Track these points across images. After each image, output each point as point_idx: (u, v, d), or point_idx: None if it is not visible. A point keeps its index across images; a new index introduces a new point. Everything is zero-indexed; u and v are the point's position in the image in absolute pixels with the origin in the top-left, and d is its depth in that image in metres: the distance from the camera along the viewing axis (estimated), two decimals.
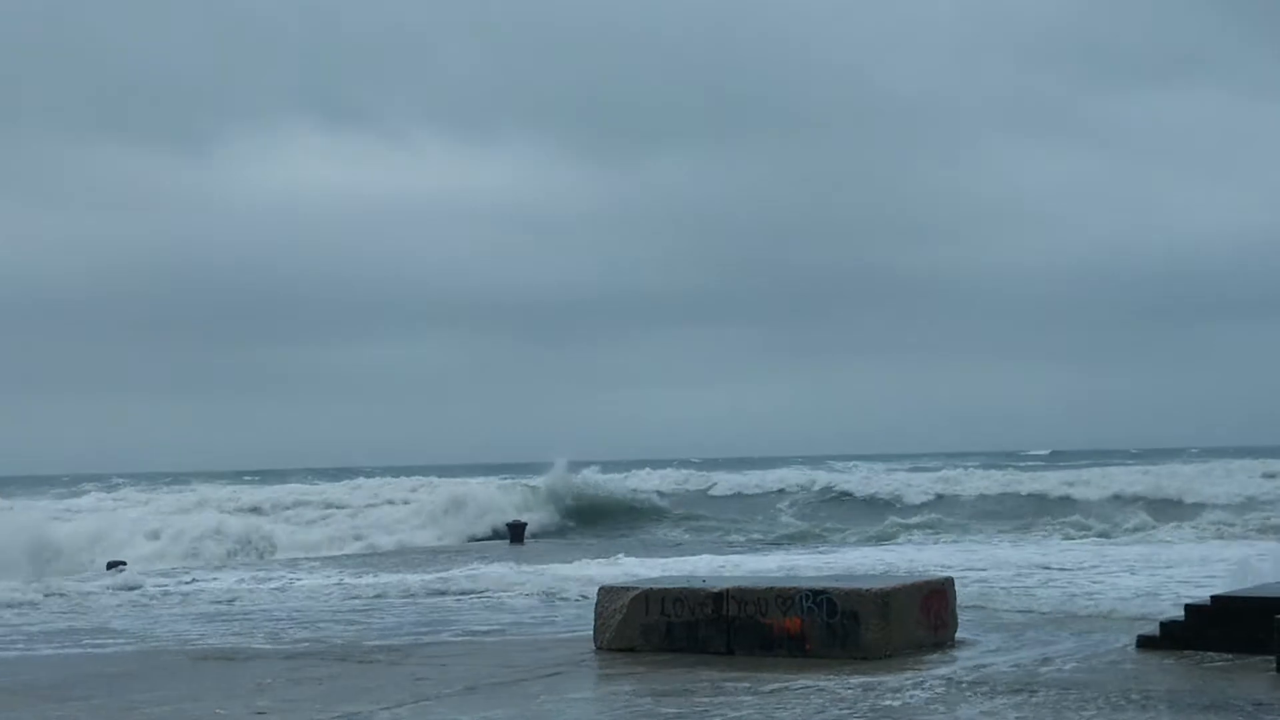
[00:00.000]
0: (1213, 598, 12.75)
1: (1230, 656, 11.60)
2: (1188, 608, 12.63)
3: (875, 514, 39.21)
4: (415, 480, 49.84)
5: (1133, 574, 20.63)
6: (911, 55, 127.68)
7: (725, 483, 49.04)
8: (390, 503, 43.51)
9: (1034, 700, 10.04)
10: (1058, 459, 77.23)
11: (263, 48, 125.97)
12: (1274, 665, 10.77)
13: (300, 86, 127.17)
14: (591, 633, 13.59)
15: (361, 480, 51.64)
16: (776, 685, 10.95)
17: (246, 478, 74.41)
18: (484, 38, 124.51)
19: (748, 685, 10.99)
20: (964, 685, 10.80)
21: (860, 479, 47.63)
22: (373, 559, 28.89)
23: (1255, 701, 9.69)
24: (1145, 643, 12.46)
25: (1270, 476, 41.31)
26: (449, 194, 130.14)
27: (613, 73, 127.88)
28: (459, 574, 22.59)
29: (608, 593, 13.60)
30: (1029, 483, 43.54)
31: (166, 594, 21.02)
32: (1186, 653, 11.94)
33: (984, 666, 11.74)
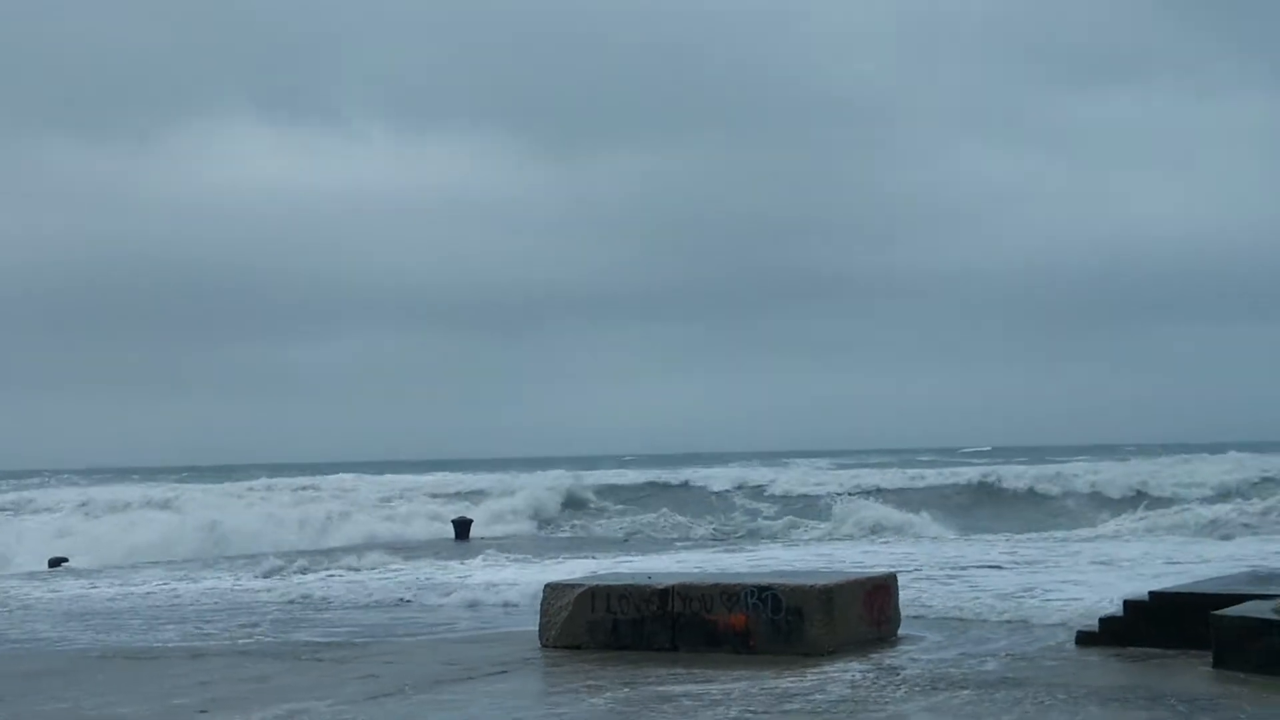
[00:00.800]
0: (1151, 594, 12.93)
1: (1169, 652, 11.76)
2: (1126, 604, 12.81)
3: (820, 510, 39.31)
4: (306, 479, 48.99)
5: (1078, 570, 20.85)
6: (865, 56, 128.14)
7: (674, 478, 48.97)
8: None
9: (973, 695, 10.15)
10: (1000, 455, 77.78)
11: (208, 39, 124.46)
12: (1210, 661, 10.93)
13: (248, 78, 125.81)
14: (537, 630, 13.59)
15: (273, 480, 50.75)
16: (718, 681, 11.01)
17: (182, 474, 73.57)
18: (436, 30, 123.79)
19: (689, 681, 11.04)
20: (906, 681, 10.91)
21: (797, 476, 47.71)
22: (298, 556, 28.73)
23: (1190, 697, 9.84)
24: (1084, 639, 12.62)
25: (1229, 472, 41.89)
26: (400, 188, 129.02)
27: (567, 68, 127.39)
28: (403, 571, 22.55)
29: (554, 590, 13.63)
30: (972, 476, 43.89)
31: (111, 596, 20.83)
32: (1125, 649, 12.10)
33: (925, 662, 11.86)
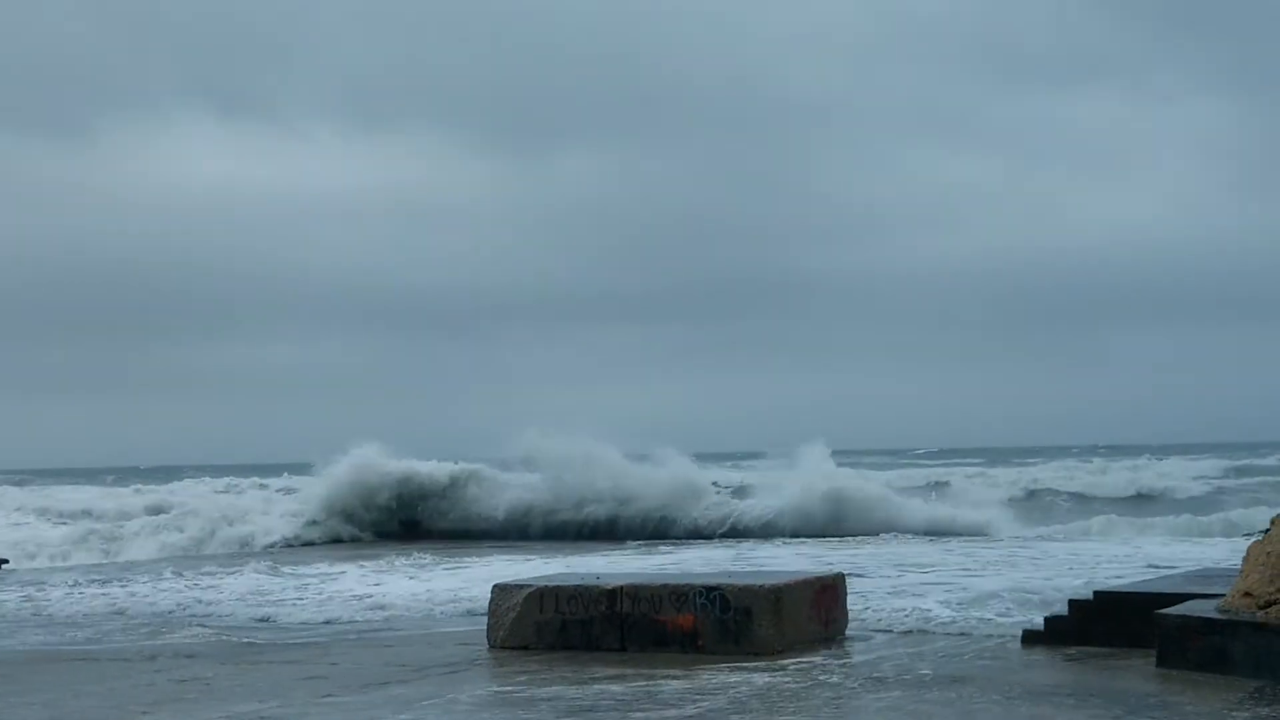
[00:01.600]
0: (1095, 593, 13.05)
1: (1113, 651, 11.86)
2: (1071, 603, 12.92)
3: None
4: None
5: (1028, 569, 21.03)
6: (817, 57, 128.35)
7: None
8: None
9: (912, 695, 10.22)
10: (945, 456, 78.21)
11: (150, 33, 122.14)
12: (1154, 660, 11.04)
13: (190, 74, 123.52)
14: (485, 631, 13.56)
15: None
16: (666, 681, 11.02)
17: (107, 476, 72.37)
18: (387, 26, 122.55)
19: (637, 681, 11.05)
20: (852, 680, 10.97)
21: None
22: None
23: (1130, 695, 9.94)
24: (1030, 637, 12.72)
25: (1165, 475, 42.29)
26: (349, 188, 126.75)
27: (520, 66, 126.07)
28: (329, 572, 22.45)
29: (502, 590, 13.60)
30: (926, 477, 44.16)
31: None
32: (1070, 648, 12.20)
33: (871, 661, 11.92)
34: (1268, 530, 11.20)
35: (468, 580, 20.03)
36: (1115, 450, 70.96)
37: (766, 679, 11.04)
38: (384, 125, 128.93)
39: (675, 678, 11.20)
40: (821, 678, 11.10)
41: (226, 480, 49.10)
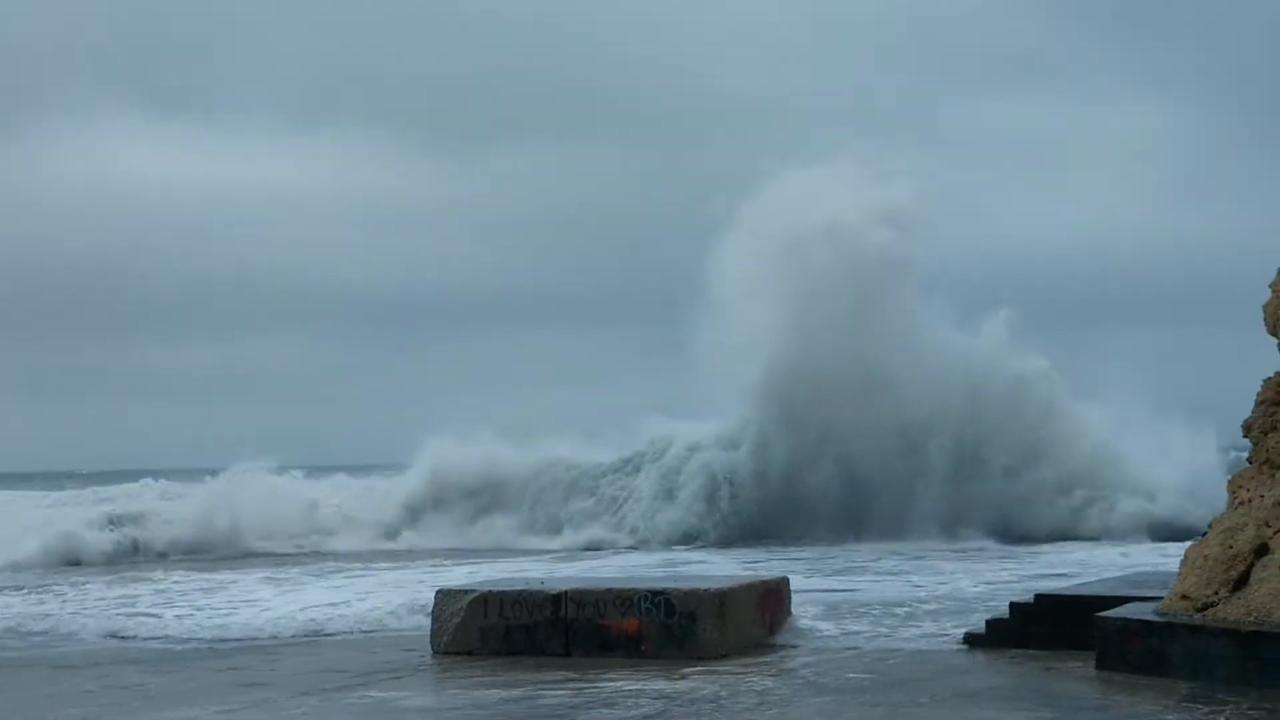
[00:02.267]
0: (1036, 596, 13.15)
1: (1054, 654, 11.94)
2: (1012, 605, 13.02)
3: None
4: None
5: (973, 574, 21.20)
6: (754, 56, 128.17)
7: None
8: None
9: (857, 698, 10.26)
10: None
11: (73, 25, 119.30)
12: (1094, 663, 11.13)
13: (121, 70, 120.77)
14: (428, 636, 13.51)
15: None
16: (609, 686, 11.02)
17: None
18: (321, 23, 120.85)
19: (581, 686, 11.04)
20: (794, 684, 11.01)
21: None
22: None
23: (1072, 697, 10.02)
24: (971, 640, 12.80)
25: None
26: (284, 187, 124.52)
27: (455, 64, 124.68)
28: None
29: (446, 595, 13.55)
30: None
31: None
32: (1012, 651, 12.29)
33: (815, 665, 11.94)
34: (1205, 534, 11.33)
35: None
36: None
37: (708, 683, 11.05)
38: (319, 122, 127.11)
39: (618, 681, 11.20)
40: (763, 682, 11.13)
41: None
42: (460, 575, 21.05)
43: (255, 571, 24.05)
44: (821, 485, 33.64)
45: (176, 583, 21.74)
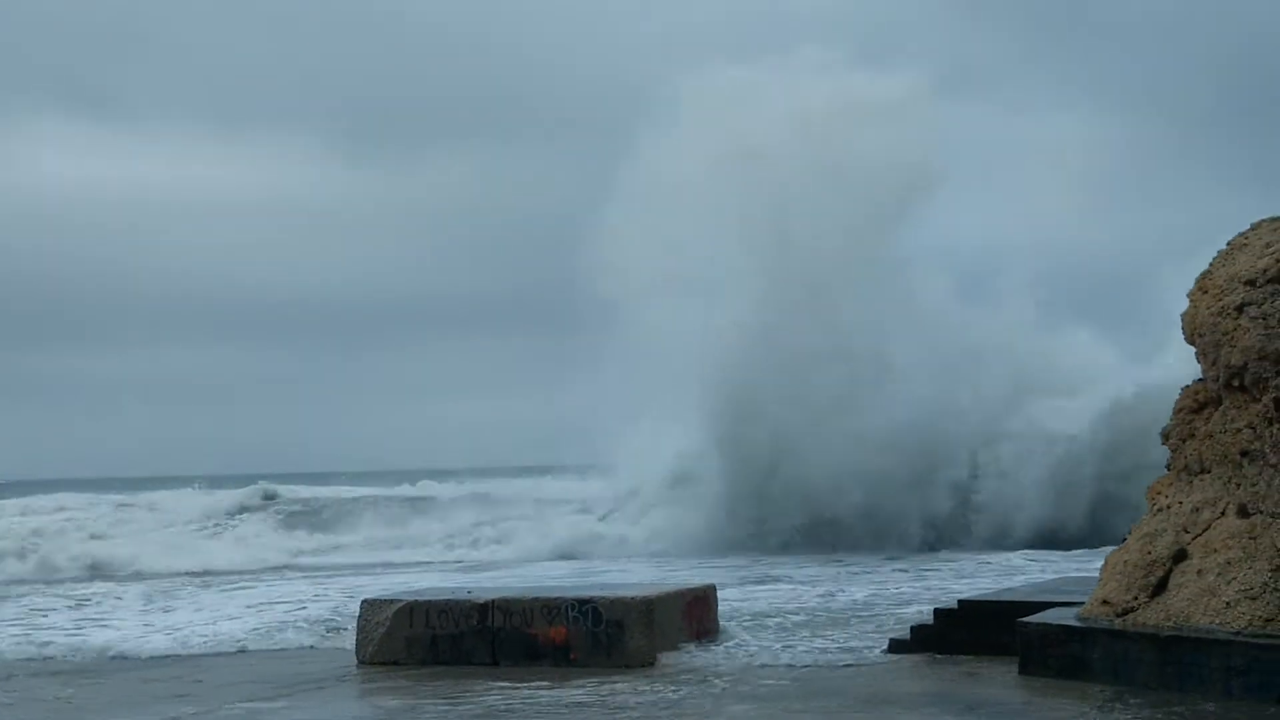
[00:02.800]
0: (960, 601, 13.26)
1: (979, 659, 12.03)
2: (936, 611, 13.12)
3: None
4: None
5: (904, 579, 21.32)
6: (683, 62, 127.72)
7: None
8: None
9: (783, 705, 10.30)
10: None
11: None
12: (1017, 668, 11.24)
13: (40, 71, 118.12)
14: (354, 647, 13.40)
15: None
16: (535, 695, 10.99)
17: None
18: (248, 25, 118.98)
19: (508, 695, 11.00)
20: (720, 691, 11.01)
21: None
22: None
23: (994, 702, 10.11)
24: (896, 646, 12.88)
25: None
26: (212, 191, 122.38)
27: (383, 66, 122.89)
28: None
29: (371, 605, 13.45)
30: None
31: None
32: (935, 656, 12.38)
33: (740, 671, 11.96)
34: (1125, 540, 11.48)
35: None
36: None
37: (633, 691, 11.05)
38: (243, 126, 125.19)
39: (544, 690, 11.17)
40: (689, 689, 11.14)
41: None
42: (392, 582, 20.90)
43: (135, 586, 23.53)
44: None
45: (89, 598, 21.29)
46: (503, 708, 10.53)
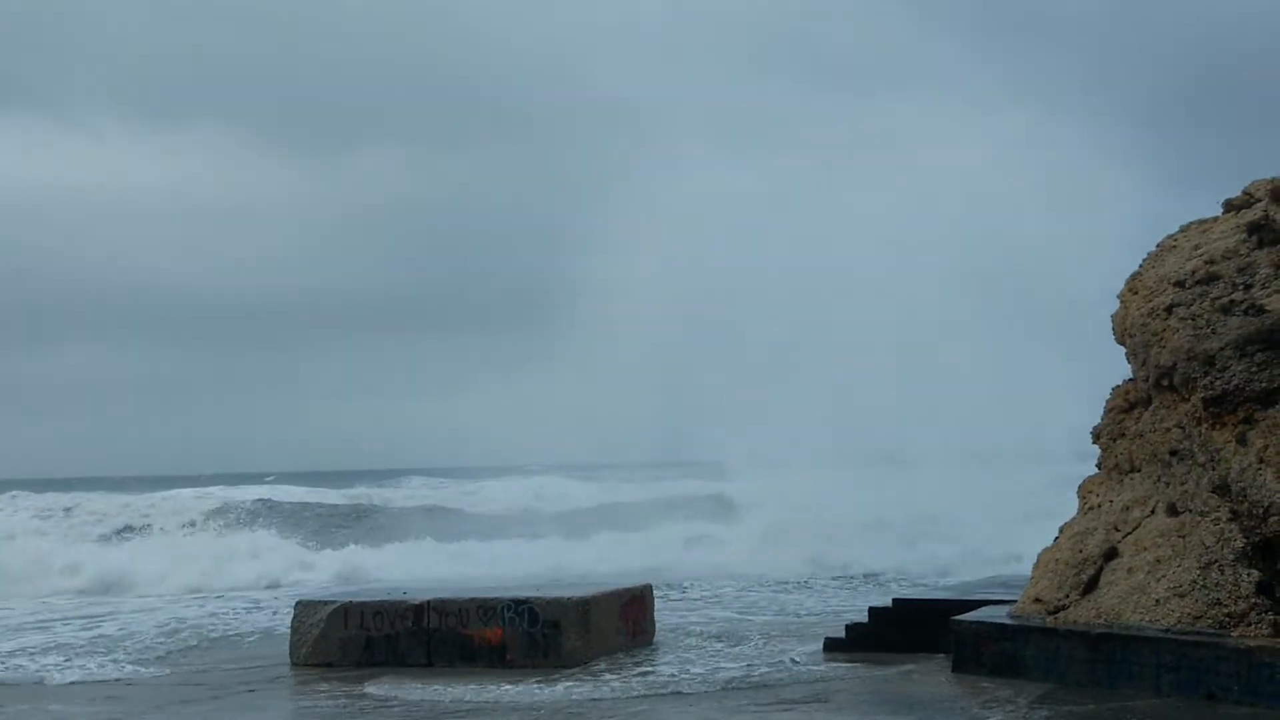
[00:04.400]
0: (894, 600, 13.32)
1: (914, 657, 12.10)
2: (871, 610, 13.18)
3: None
4: None
5: (849, 579, 21.37)
6: (623, 52, 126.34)
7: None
8: None
9: (717, 703, 10.31)
10: None
11: None
12: (951, 665, 11.31)
13: None
14: (288, 648, 13.29)
15: None
16: (467, 696, 10.93)
17: None
18: (173, 14, 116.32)
19: (438, 697, 10.94)
20: (657, 690, 11.00)
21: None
22: None
23: (928, 700, 10.15)
24: (831, 645, 12.92)
25: None
26: (133, 185, 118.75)
27: (315, 59, 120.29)
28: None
29: (305, 607, 13.34)
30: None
31: None
32: (870, 654, 12.43)
33: (675, 672, 11.96)
34: (1057, 538, 11.57)
35: None
36: None
37: (566, 692, 11.01)
38: (172, 121, 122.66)
39: (478, 692, 11.11)
40: (626, 688, 11.12)
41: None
42: None
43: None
44: None
45: None
46: (432, 711, 10.46)
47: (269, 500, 38.35)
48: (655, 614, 14.16)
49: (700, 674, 11.79)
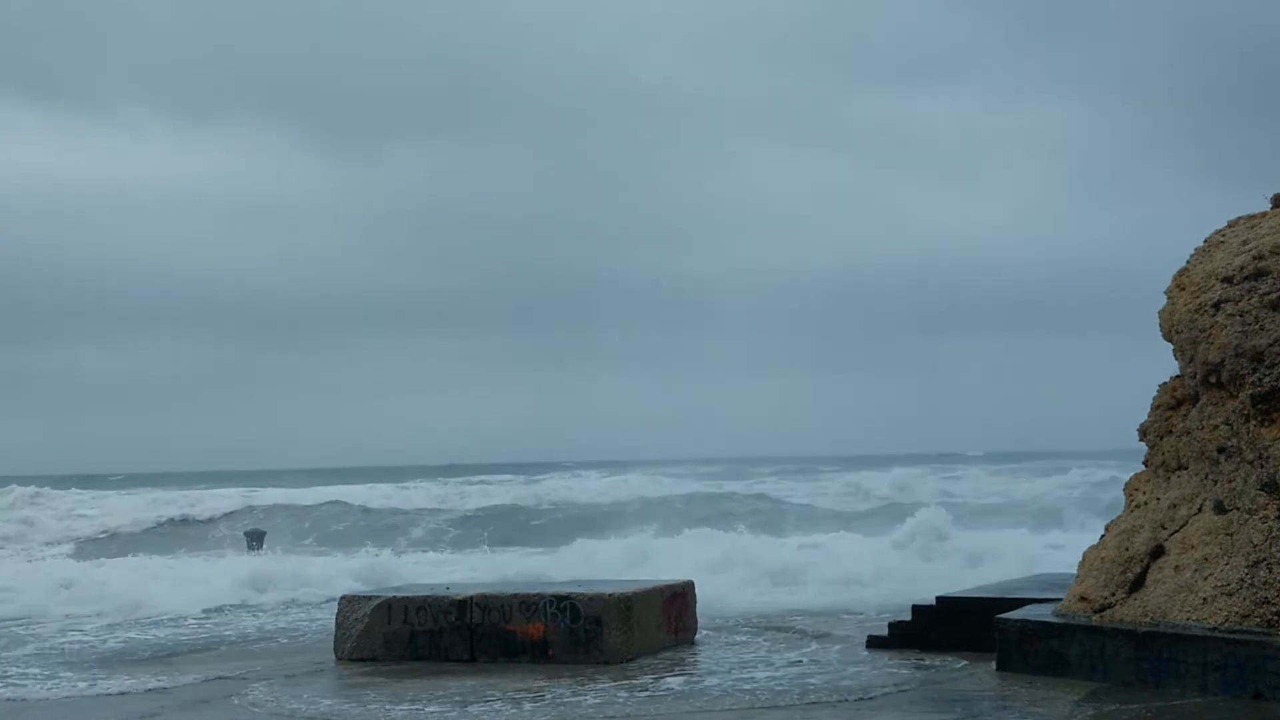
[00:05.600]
0: (938, 598, 13.27)
1: (958, 655, 12.04)
2: (915, 608, 13.12)
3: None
4: None
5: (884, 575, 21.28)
6: (662, 49, 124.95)
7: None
8: None
9: (764, 702, 10.28)
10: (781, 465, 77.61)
11: None
12: (995, 664, 11.25)
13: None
14: (333, 643, 13.36)
15: None
16: (511, 691, 10.95)
17: None
18: (210, 10, 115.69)
19: (485, 692, 10.97)
20: (700, 688, 10.98)
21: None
22: None
23: (972, 698, 10.10)
24: (875, 643, 12.89)
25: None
26: (174, 183, 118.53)
27: (350, 54, 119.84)
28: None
29: (349, 602, 13.41)
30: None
31: None
32: (914, 652, 12.39)
33: (716, 670, 11.93)
34: (1103, 536, 11.50)
35: None
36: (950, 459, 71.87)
37: (607, 690, 11.01)
38: (211, 117, 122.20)
39: (521, 688, 11.13)
40: (669, 686, 11.11)
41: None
42: None
43: None
44: None
45: None
46: (478, 706, 10.48)
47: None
48: (698, 609, 14.11)
49: (737, 672, 11.74)
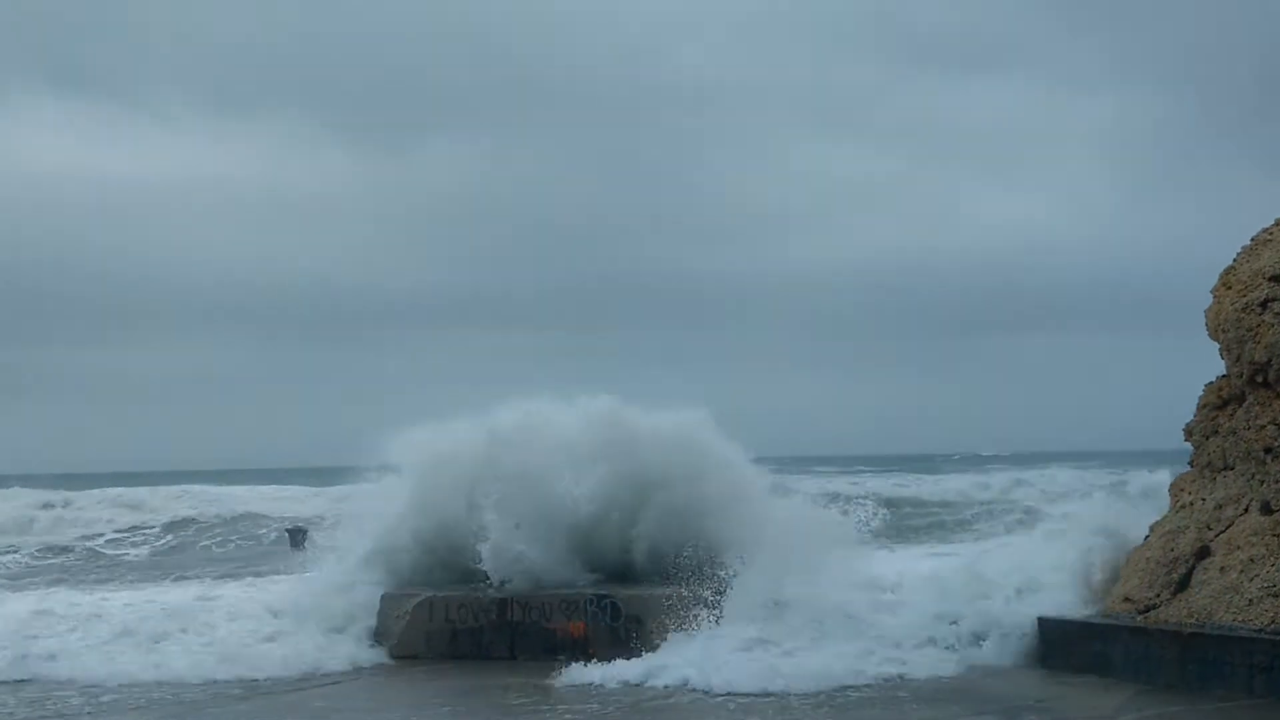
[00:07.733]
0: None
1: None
2: None
3: None
4: None
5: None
6: (704, 39, 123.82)
7: None
8: None
9: (803, 700, 10.26)
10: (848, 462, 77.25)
11: None
12: (1038, 663, 11.19)
13: (33, 48, 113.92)
14: (374, 640, 13.40)
15: None
16: (553, 690, 10.97)
17: None
18: (246, 6, 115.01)
19: (526, 690, 10.99)
20: (725, 691, 10.89)
21: None
22: None
23: (1017, 698, 10.03)
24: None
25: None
26: (213, 177, 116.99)
27: (390, 52, 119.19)
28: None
29: (391, 599, 13.45)
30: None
31: None
32: None
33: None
34: (1147, 537, 11.42)
35: None
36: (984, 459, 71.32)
37: (648, 688, 11.01)
38: (250, 112, 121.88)
39: (562, 686, 11.14)
40: (697, 686, 11.06)
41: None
42: None
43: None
44: None
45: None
46: (522, 700, 10.51)
47: None
48: None
49: (778, 670, 11.68)
